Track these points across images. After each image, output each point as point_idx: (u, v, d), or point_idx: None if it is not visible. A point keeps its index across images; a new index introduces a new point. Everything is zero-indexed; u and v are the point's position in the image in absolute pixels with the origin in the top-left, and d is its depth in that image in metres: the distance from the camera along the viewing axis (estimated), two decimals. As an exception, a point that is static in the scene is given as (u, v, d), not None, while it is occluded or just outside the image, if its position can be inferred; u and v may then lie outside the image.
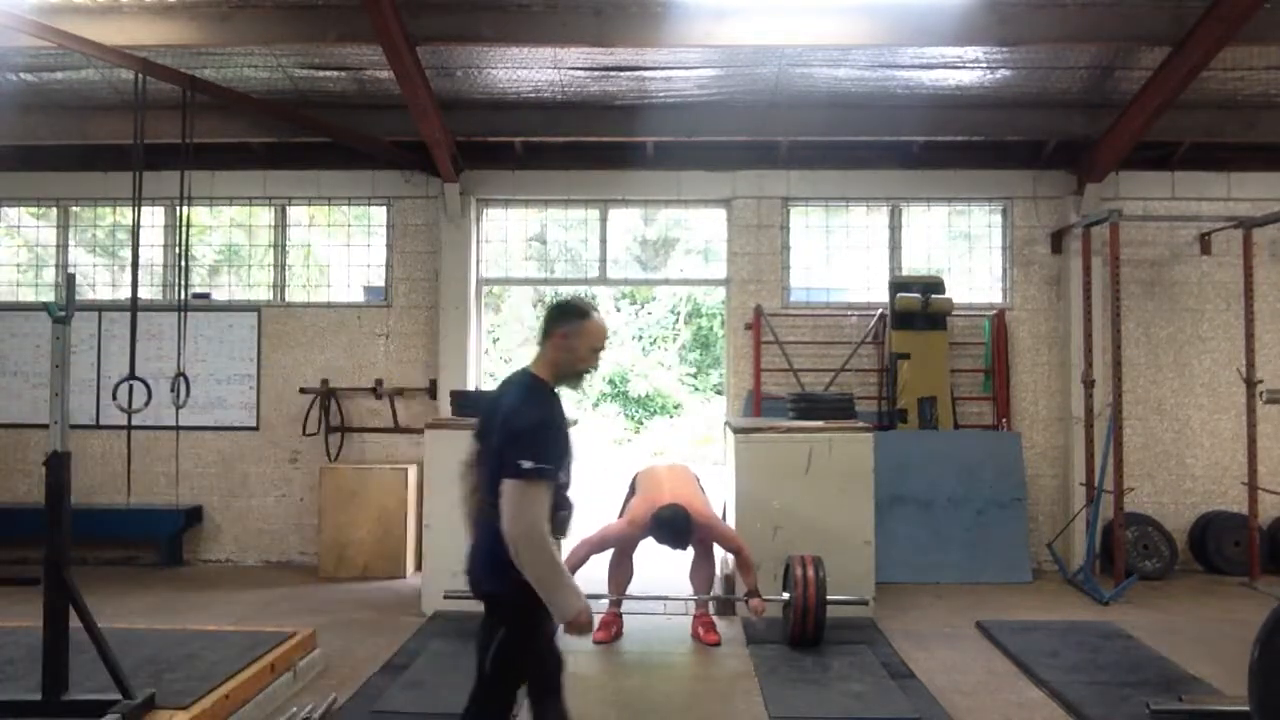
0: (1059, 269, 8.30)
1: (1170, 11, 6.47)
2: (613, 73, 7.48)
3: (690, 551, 5.92)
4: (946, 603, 6.95)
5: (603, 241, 8.66)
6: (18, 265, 8.92)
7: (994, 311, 8.28)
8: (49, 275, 8.78)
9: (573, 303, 3.20)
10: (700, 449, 17.53)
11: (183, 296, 7.36)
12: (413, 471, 7.89)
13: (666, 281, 21.25)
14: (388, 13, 5.98)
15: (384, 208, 8.58)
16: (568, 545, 5.04)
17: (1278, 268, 8.25)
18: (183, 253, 7.77)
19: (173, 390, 6.59)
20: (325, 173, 8.48)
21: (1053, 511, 8.15)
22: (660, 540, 5.74)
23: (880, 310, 8.28)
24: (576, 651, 5.24)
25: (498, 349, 18.77)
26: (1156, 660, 5.43)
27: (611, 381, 19.73)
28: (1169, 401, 8.23)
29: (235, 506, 8.36)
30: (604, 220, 8.66)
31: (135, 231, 6.84)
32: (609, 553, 5.99)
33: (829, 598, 5.67)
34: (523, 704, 3.20)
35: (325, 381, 8.34)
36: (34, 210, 8.85)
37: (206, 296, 8.67)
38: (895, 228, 8.56)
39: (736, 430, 6.69)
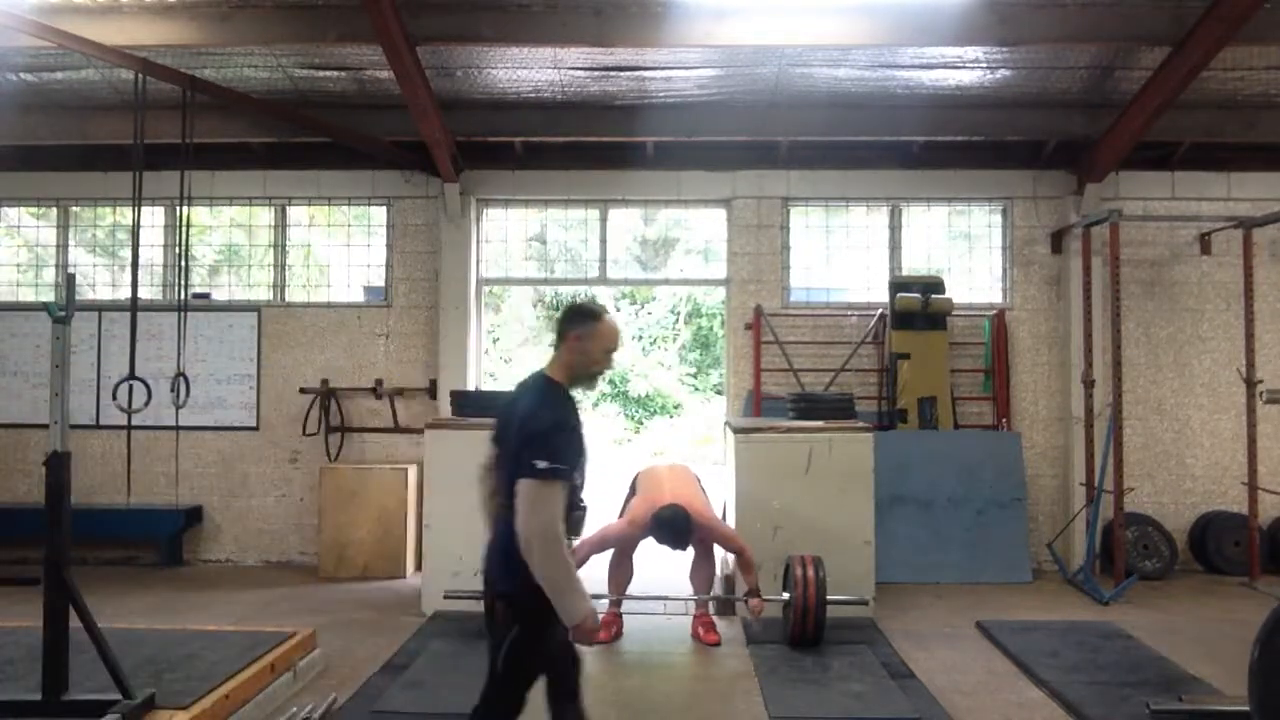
0: (1059, 269, 8.30)
1: (1170, 11, 6.48)
2: (613, 73, 7.48)
3: (690, 552, 5.92)
4: (946, 603, 6.95)
5: (603, 241, 8.66)
6: (18, 265, 8.92)
7: (994, 311, 8.28)
8: (49, 275, 8.78)
9: (585, 305, 3.25)
10: (700, 449, 17.53)
11: (183, 296, 7.36)
12: (413, 471, 7.89)
13: (666, 281, 21.25)
14: (388, 13, 5.98)
15: (384, 208, 8.58)
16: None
17: (1278, 268, 8.25)
18: (183, 253, 7.77)
19: (173, 390, 6.59)
20: (325, 173, 8.48)
21: (1053, 511, 8.15)
22: (660, 540, 5.74)
23: (880, 310, 8.28)
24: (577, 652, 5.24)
25: (498, 349, 18.79)
26: (1156, 660, 5.43)
27: (611, 381, 19.73)
28: (1169, 401, 8.23)
29: (235, 506, 8.36)
30: (604, 220, 8.66)
31: (135, 231, 6.84)
32: (609, 553, 5.99)
33: (829, 598, 5.67)
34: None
35: (325, 381, 8.34)
36: (34, 210, 8.85)
37: (206, 296, 8.67)
38: (895, 228, 8.56)
39: (736, 430, 6.69)
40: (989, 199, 8.51)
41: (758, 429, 6.66)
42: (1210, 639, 5.89)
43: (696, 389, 20.41)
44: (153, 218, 8.45)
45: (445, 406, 7.59)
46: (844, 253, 8.59)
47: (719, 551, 6.18)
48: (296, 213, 8.75)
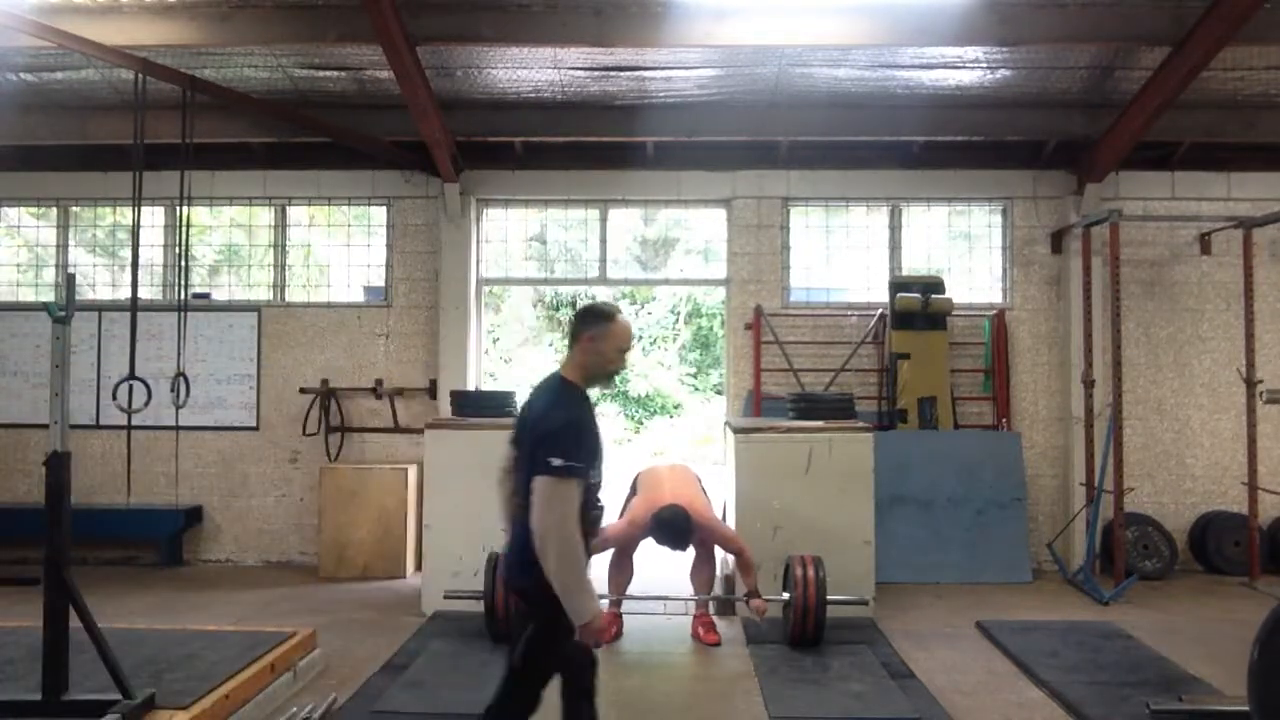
0: (1059, 269, 8.30)
1: (1170, 11, 6.48)
2: (613, 73, 7.48)
3: (690, 552, 5.92)
4: (946, 603, 6.95)
5: (603, 241, 8.66)
6: (18, 265, 8.92)
7: (994, 311, 8.28)
8: (49, 275, 8.78)
9: (598, 306, 3.29)
10: (700, 449, 17.53)
11: (183, 296, 7.36)
12: (413, 471, 7.89)
13: (666, 281, 21.24)
14: (388, 13, 5.98)
15: (384, 208, 8.58)
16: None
17: (1278, 268, 8.25)
18: (183, 253, 7.77)
19: (173, 390, 6.59)
20: (325, 173, 8.48)
21: (1053, 511, 8.15)
22: (660, 541, 5.74)
23: (880, 310, 8.28)
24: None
25: (498, 349, 18.78)
26: (1156, 660, 5.43)
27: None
28: (1169, 401, 8.23)
29: (235, 506, 8.36)
30: (604, 220, 8.66)
31: (135, 231, 6.84)
32: (609, 553, 5.99)
33: (829, 598, 5.66)
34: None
35: (325, 381, 8.34)
36: (34, 210, 8.85)
37: (206, 296, 8.67)
38: (895, 228, 8.56)
39: (736, 430, 6.69)
40: (989, 199, 8.51)
41: (758, 429, 6.66)
42: (1210, 639, 5.89)
43: (696, 389, 20.41)
44: (153, 218, 8.45)
45: (445, 406, 7.59)
46: (844, 253, 8.59)
47: (719, 551, 6.18)
48: (296, 213, 8.76)
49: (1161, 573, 7.62)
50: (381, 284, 8.57)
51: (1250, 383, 7.55)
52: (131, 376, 6.34)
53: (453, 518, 6.47)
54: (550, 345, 20.15)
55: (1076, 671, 5.18)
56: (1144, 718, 4.41)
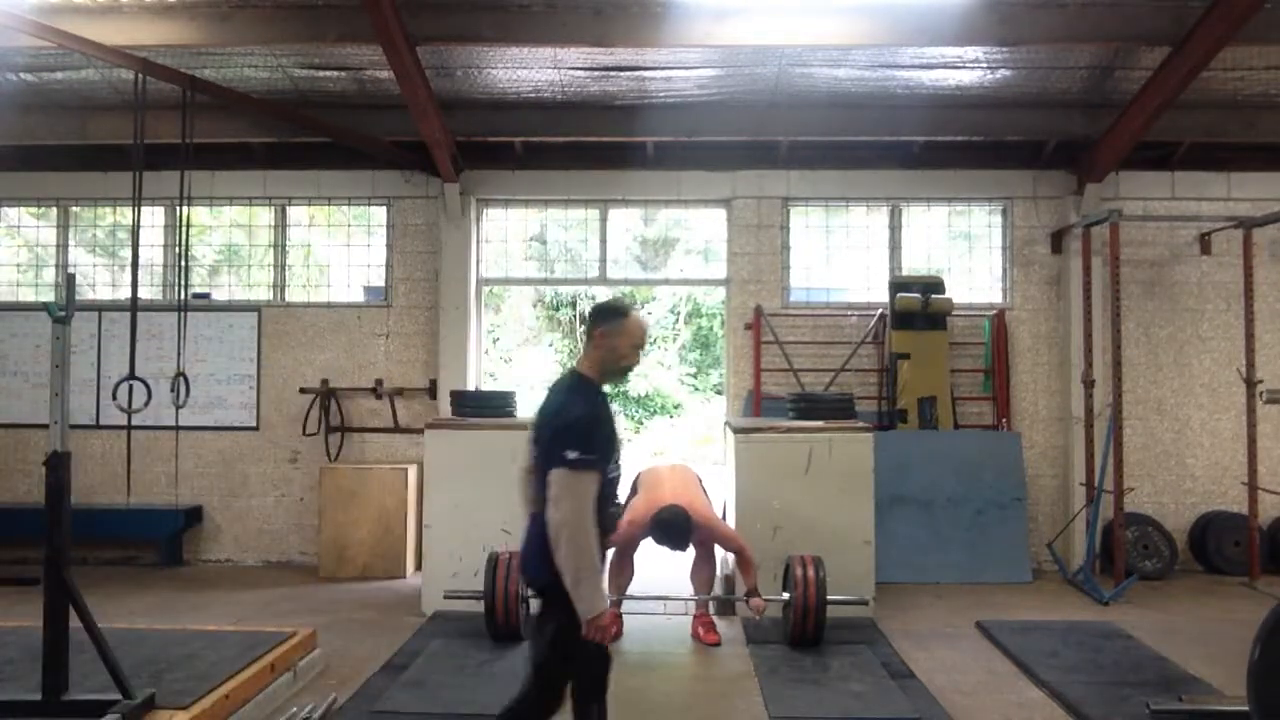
0: (1059, 269, 8.30)
1: (1170, 11, 6.48)
2: (613, 73, 7.48)
3: (691, 552, 5.92)
4: (946, 603, 6.94)
5: (603, 241, 8.66)
6: (18, 265, 8.92)
7: (994, 311, 8.28)
8: (49, 275, 8.78)
9: (612, 303, 3.38)
10: (700, 449, 17.53)
11: (183, 296, 7.36)
12: (413, 471, 7.89)
13: (666, 281, 21.22)
14: (388, 13, 5.98)
15: (384, 208, 8.58)
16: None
17: (1278, 268, 8.24)
18: (183, 253, 7.77)
19: (173, 390, 6.59)
20: (325, 173, 8.48)
21: (1053, 511, 8.15)
22: (660, 541, 5.73)
23: (880, 310, 8.28)
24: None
25: (498, 349, 18.77)
26: (1156, 660, 5.43)
27: (611, 381, 19.71)
28: (1169, 401, 8.23)
29: (235, 506, 8.36)
30: (604, 220, 8.66)
31: (135, 231, 6.84)
32: (609, 552, 5.98)
33: (829, 598, 5.66)
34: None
35: (325, 381, 8.34)
36: (34, 210, 8.85)
37: (206, 296, 8.67)
38: (895, 228, 8.56)
39: (736, 430, 6.69)
40: (989, 199, 8.51)
41: (758, 429, 6.66)
42: (1210, 639, 5.88)
43: (696, 389, 20.41)
44: (153, 218, 8.45)
45: (445, 406, 7.59)
46: (844, 253, 8.59)
47: (719, 551, 6.18)
48: (296, 213, 8.75)
49: (1161, 573, 7.62)
50: (381, 284, 8.56)
51: (1250, 383, 7.55)
52: (131, 376, 6.34)
53: (453, 518, 6.47)
54: (550, 345, 20.15)
55: (1076, 671, 5.18)
56: (1144, 718, 4.41)
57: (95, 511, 7.74)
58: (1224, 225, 7.96)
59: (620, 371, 3.34)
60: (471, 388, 8.15)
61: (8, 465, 8.40)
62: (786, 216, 8.48)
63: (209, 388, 8.31)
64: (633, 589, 6.09)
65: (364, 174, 8.43)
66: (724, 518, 6.52)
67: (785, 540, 6.29)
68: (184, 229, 7.54)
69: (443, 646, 5.63)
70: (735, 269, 8.43)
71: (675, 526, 5.59)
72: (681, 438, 18.77)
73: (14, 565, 7.44)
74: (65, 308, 4.02)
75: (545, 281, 11.69)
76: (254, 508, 8.35)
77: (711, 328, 20.12)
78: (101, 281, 9.24)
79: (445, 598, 6.08)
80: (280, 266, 8.65)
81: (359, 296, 8.65)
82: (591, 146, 8.26)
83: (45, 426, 4.05)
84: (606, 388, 3.32)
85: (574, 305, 20.13)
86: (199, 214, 9.32)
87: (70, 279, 4.34)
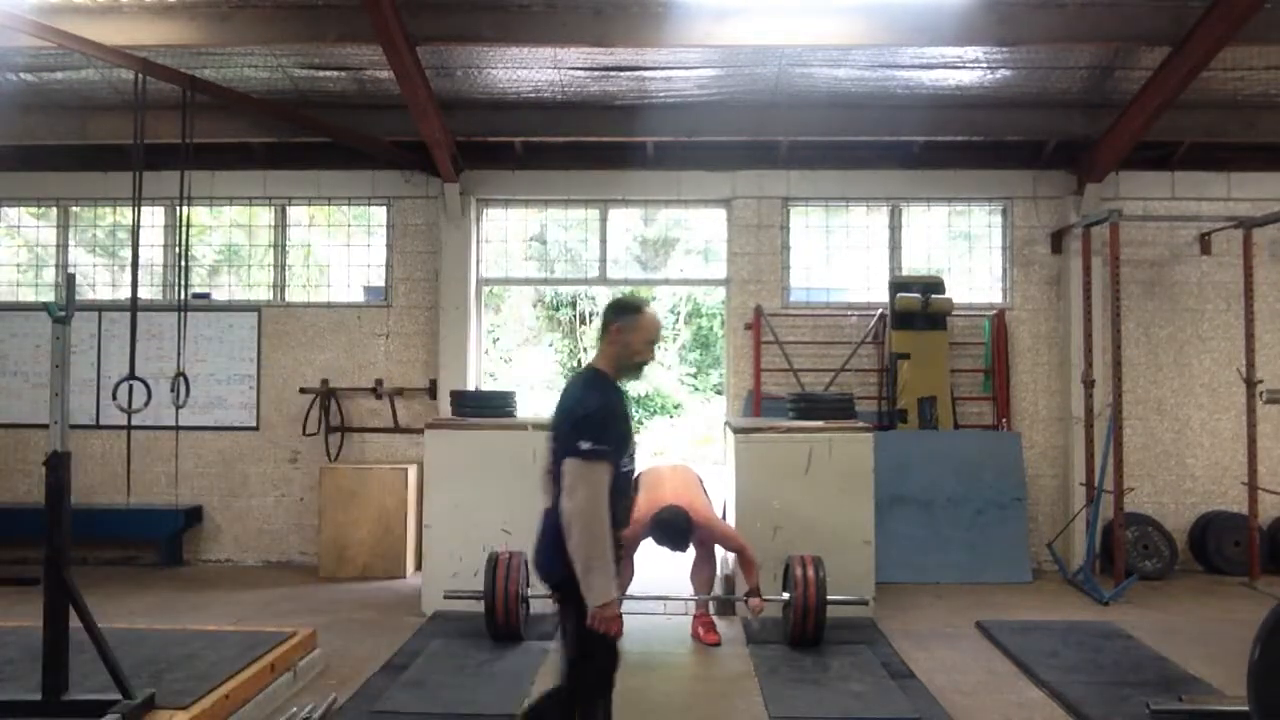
0: (1059, 269, 8.30)
1: (1170, 11, 6.48)
2: (613, 73, 7.48)
3: (691, 552, 5.92)
4: (946, 603, 6.94)
5: (603, 241, 8.66)
6: (18, 265, 8.92)
7: (994, 311, 8.28)
8: (49, 275, 8.78)
9: (627, 299, 3.44)
10: (700, 449, 17.53)
11: (183, 296, 7.36)
12: (413, 471, 7.89)
13: (666, 281, 21.20)
14: (388, 13, 5.98)
15: (384, 208, 8.58)
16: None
17: (1278, 268, 8.24)
18: (183, 253, 7.78)
19: (173, 390, 6.59)
20: (325, 173, 8.48)
21: (1053, 511, 8.15)
22: (660, 542, 5.73)
23: (880, 310, 8.28)
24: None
25: (498, 349, 18.77)
26: (1156, 660, 5.43)
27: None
28: (1169, 401, 8.23)
29: (235, 506, 8.36)
30: (604, 220, 8.66)
31: (135, 231, 6.84)
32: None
33: (829, 598, 5.66)
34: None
35: (325, 381, 8.34)
36: (34, 210, 8.85)
37: (206, 296, 8.67)
38: (895, 228, 8.56)
39: (736, 430, 6.69)
40: (989, 199, 8.51)
41: (758, 429, 6.66)
42: (1210, 639, 5.88)
43: (696, 389, 20.42)
44: (153, 218, 8.45)
45: (445, 406, 7.59)
46: (844, 253, 8.59)
47: (719, 551, 6.18)
48: (296, 213, 8.76)
49: (1161, 573, 7.62)
50: (381, 284, 8.57)
51: (1250, 383, 7.55)
52: (131, 376, 6.34)
53: (453, 518, 6.48)
54: (550, 345, 20.15)
55: (1076, 671, 5.18)
56: (1144, 718, 4.41)
57: (95, 511, 7.74)
58: (1224, 225, 7.96)
59: (635, 367, 3.38)
60: (471, 388, 8.15)
61: (8, 465, 8.40)
62: (786, 216, 8.48)
63: (209, 388, 8.31)
64: (633, 589, 6.08)
65: (364, 174, 8.43)
66: (724, 518, 6.53)
67: (785, 540, 6.29)
68: (184, 229, 7.54)
69: (443, 646, 5.63)
70: (735, 269, 8.43)
71: (675, 527, 5.59)
72: (681, 438, 18.78)
73: (14, 565, 7.44)
74: (65, 308, 4.02)
75: (545, 281, 11.68)
76: (254, 508, 8.35)
77: (711, 328, 20.13)
78: (101, 281, 9.24)
79: (445, 598, 6.08)
80: (280, 266, 8.65)
81: (359, 296, 8.65)
82: (591, 146, 8.26)
83: (45, 426, 4.05)
84: (622, 383, 3.36)
85: (574, 305, 20.14)
86: (199, 214, 9.33)
87: (70, 279, 4.34)
